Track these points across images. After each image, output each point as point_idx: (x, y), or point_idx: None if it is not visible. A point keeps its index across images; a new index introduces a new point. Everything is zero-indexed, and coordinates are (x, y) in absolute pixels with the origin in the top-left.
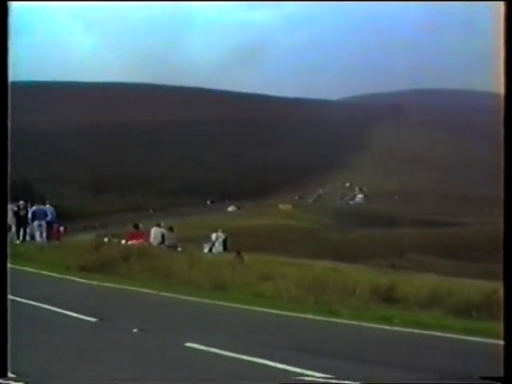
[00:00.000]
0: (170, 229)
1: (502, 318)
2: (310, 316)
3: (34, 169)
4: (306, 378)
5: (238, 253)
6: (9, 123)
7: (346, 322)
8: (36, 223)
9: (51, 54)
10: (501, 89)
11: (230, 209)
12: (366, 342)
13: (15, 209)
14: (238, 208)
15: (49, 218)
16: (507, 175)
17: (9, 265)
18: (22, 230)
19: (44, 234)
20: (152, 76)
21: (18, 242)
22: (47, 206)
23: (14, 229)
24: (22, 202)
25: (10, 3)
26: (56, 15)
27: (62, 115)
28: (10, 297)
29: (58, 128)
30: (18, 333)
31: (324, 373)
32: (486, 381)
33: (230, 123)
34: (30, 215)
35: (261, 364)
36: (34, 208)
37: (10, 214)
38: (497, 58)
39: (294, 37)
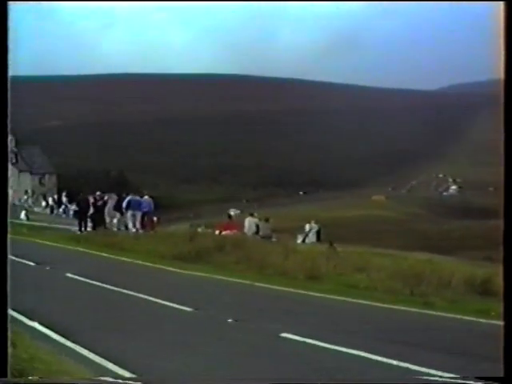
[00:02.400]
0: (266, 220)
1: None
2: (405, 308)
3: (128, 159)
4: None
5: (331, 243)
6: (9, 123)
7: (441, 314)
8: (130, 213)
9: (151, 48)
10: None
11: (232, 212)
12: (462, 335)
13: (92, 200)
14: (241, 211)
15: (145, 208)
16: (507, 175)
17: (106, 255)
18: (98, 219)
19: (138, 224)
20: (243, 67)
21: (79, 231)
22: (145, 197)
23: (111, 219)
24: (98, 193)
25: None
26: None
27: (153, 105)
28: (103, 285)
29: (151, 118)
30: (119, 319)
31: (420, 366)
32: (486, 381)
33: (319, 113)
34: (124, 205)
35: (356, 355)
36: (128, 198)
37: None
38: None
39: (387, 27)
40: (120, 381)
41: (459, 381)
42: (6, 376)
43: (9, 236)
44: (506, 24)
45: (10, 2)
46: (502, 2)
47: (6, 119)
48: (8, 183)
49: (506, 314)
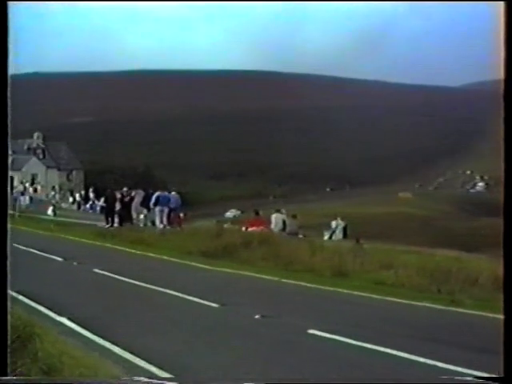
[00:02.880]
0: (294, 216)
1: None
2: (432, 305)
3: (155, 156)
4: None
5: (357, 240)
6: (9, 123)
7: (468, 311)
8: (158, 209)
9: (177, 45)
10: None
11: (230, 214)
12: (490, 333)
13: (119, 196)
14: (242, 212)
15: (173, 204)
16: (507, 175)
17: (133, 250)
18: (125, 215)
19: (165, 220)
20: (269, 64)
21: (106, 226)
22: (173, 193)
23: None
24: (125, 189)
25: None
26: (176, 10)
27: (179, 102)
28: (130, 281)
29: (179, 114)
30: (146, 315)
31: (447, 363)
32: (486, 381)
33: (345, 110)
34: (153, 200)
35: (382, 352)
36: (157, 194)
37: (117, 201)
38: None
39: (416, 23)
40: (155, 381)
41: (459, 381)
42: (5, 376)
43: (8, 235)
44: (506, 24)
45: (10, 2)
46: (502, 2)
47: (6, 119)
48: (8, 182)
49: (506, 313)
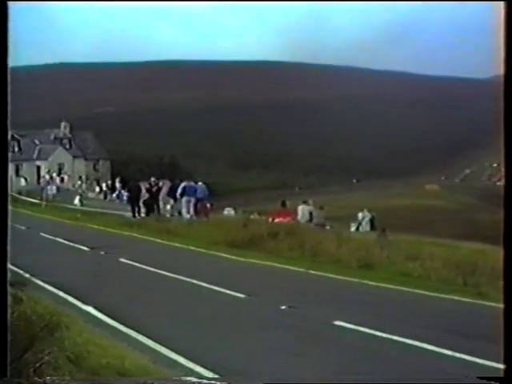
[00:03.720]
0: (320, 207)
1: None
2: (459, 298)
3: (181, 146)
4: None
5: (383, 230)
6: (8, 123)
7: (494, 304)
8: (185, 199)
9: (202, 36)
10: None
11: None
12: None
13: (147, 186)
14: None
15: (200, 195)
16: (507, 175)
17: (160, 240)
18: (152, 205)
19: (191, 210)
20: (294, 54)
21: (138, 217)
22: (199, 183)
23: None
24: (153, 179)
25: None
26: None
27: (205, 92)
28: (157, 270)
29: (204, 104)
30: (172, 304)
31: (475, 356)
32: (485, 381)
33: (372, 101)
34: (179, 191)
35: (408, 344)
36: (184, 184)
37: (143, 190)
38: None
39: (438, 15)
40: (205, 381)
41: (460, 381)
42: (5, 376)
43: (9, 233)
44: (506, 24)
45: (10, 2)
46: (502, 2)
47: (6, 120)
48: (8, 181)
49: (506, 313)
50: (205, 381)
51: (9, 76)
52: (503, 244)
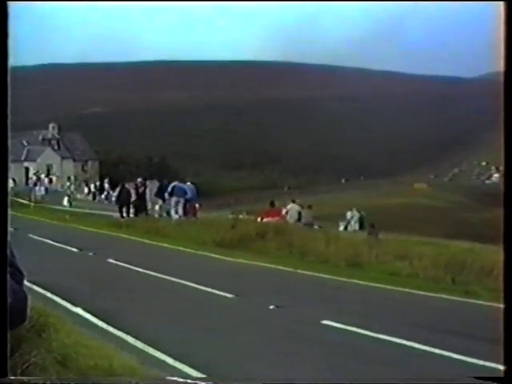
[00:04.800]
0: (309, 207)
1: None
2: (447, 296)
3: (170, 146)
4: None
5: (373, 226)
6: (8, 123)
7: (482, 303)
8: (174, 200)
9: (193, 36)
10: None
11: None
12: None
13: (134, 186)
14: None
15: (188, 195)
16: (507, 174)
17: (148, 241)
18: (140, 205)
19: (180, 211)
20: (286, 54)
21: (127, 217)
22: (188, 183)
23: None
24: (139, 180)
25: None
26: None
27: (194, 93)
28: (145, 271)
29: (193, 104)
30: (161, 305)
31: (463, 355)
32: (485, 381)
33: (361, 100)
34: (168, 191)
35: (396, 343)
36: (173, 184)
37: (132, 191)
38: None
39: (431, 12)
40: (190, 381)
41: (459, 381)
42: (6, 376)
43: (8, 234)
44: (506, 24)
45: (10, 2)
46: (501, 2)
47: (5, 119)
48: (8, 182)
49: (506, 313)
50: (189, 381)
51: (9, 76)
52: (503, 244)
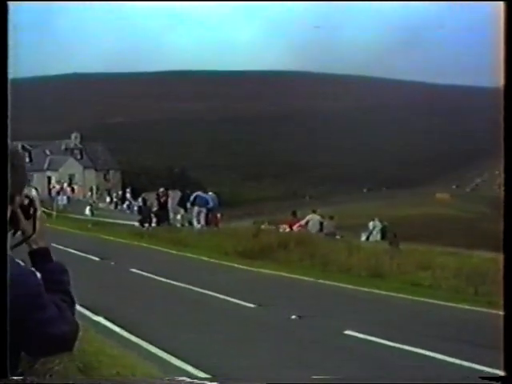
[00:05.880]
0: (331, 217)
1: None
2: (469, 307)
3: (191, 157)
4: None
5: (395, 235)
6: (9, 123)
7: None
8: (196, 209)
9: (215, 46)
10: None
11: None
12: None
13: (155, 196)
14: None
15: (210, 205)
16: (507, 174)
17: (170, 250)
18: (162, 215)
19: (202, 221)
20: (307, 64)
21: (149, 227)
22: (210, 193)
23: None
24: (161, 189)
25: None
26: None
27: (217, 103)
28: (167, 281)
29: (213, 116)
30: (182, 315)
31: (485, 366)
32: (486, 381)
33: (383, 110)
34: (190, 200)
35: (418, 353)
36: (195, 194)
37: (154, 201)
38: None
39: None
40: (196, 381)
41: (459, 381)
42: (6, 376)
43: (9, 233)
44: (506, 24)
45: (10, 2)
46: (501, 2)
47: (6, 119)
48: (8, 183)
49: (506, 312)
50: (197, 381)
51: (9, 76)
52: (503, 249)
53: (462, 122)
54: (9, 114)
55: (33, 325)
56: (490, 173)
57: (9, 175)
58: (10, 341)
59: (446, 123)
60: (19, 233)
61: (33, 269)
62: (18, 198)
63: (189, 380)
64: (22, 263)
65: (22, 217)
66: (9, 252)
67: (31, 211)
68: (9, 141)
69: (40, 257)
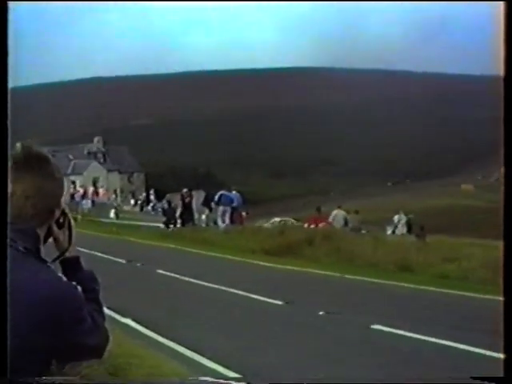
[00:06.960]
0: (356, 212)
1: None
2: (498, 298)
3: (215, 156)
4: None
5: (422, 228)
6: (9, 123)
7: None
8: (221, 209)
9: (236, 45)
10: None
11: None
12: None
13: (179, 197)
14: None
15: (235, 203)
16: (507, 173)
17: (196, 250)
18: (187, 215)
19: (227, 220)
20: (330, 60)
21: (174, 228)
22: (234, 192)
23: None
24: (185, 190)
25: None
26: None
27: (240, 101)
28: (194, 281)
29: (237, 114)
30: (211, 314)
31: None
32: (485, 381)
33: (405, 102)
34: (215, 200)
35: (448, 346)
36: (220, 193)
37: (178, 202)
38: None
39: (474, 10)
40: (222, 381)
41: (459, 381)
42: (6, 376)
43: (8, 234)
44: (506, 24)
45: (10, 2)
46: (501, 2)
47: (6, 120)
48: (8, 184)
49: (506, 313)
50: (222, 381)
51: (9, 76)
52: (503, 237)
53: (483, 111)
54: (9, 114)
55: (71, 337)
56: None
57: (48, 187)
58: (44, 349)
59: (473, 113)
60: (50, 240)
61: (74, 283)
62: (57, 212)
63: (213, 380)
64: (64, 277)
65: (55, 227)
66: (49, 263)
67: (65, 221)
68: (45, 149)
69: (71, 265)
